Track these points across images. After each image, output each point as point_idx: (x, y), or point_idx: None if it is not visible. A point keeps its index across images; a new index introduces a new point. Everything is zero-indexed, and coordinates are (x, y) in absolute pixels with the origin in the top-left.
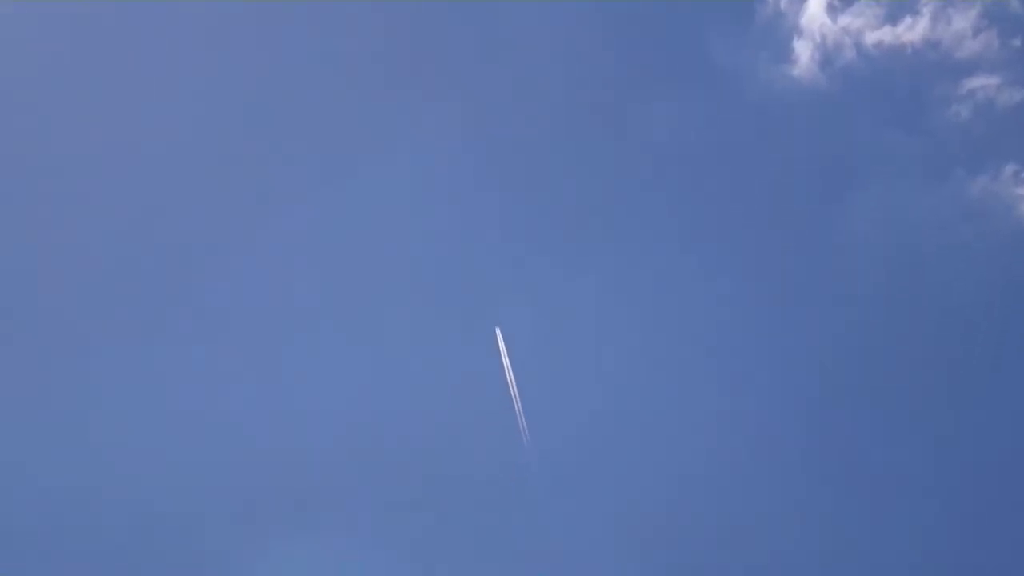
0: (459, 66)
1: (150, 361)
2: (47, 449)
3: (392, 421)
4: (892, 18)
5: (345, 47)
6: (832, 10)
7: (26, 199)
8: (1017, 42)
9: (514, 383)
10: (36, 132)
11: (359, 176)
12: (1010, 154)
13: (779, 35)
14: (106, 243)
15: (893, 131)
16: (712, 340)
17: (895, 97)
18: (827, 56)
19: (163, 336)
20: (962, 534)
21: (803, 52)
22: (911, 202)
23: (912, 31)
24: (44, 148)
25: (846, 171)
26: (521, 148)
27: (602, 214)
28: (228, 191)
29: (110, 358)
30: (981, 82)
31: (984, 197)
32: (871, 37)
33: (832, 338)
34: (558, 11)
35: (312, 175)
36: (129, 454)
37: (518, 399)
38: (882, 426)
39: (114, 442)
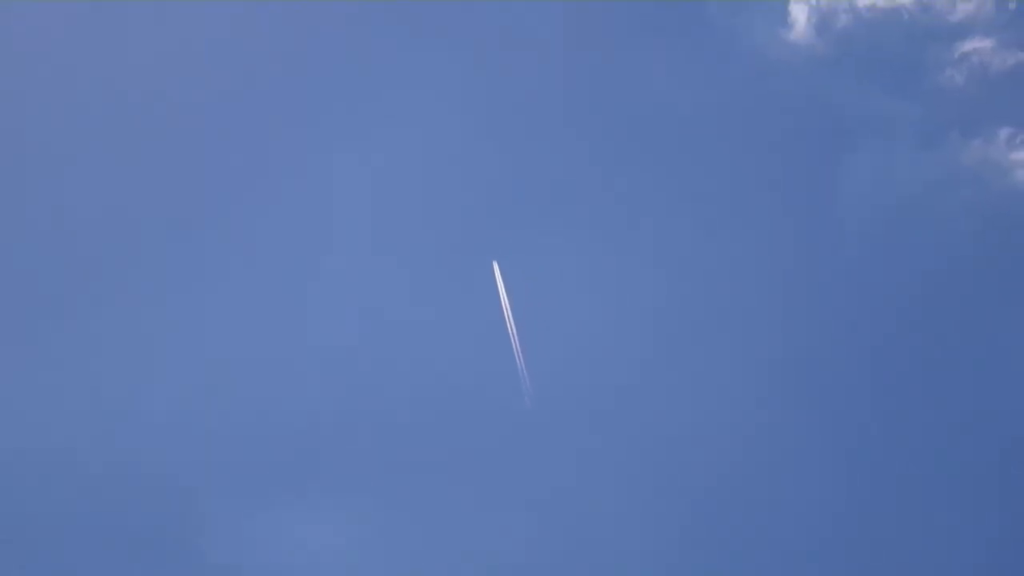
0: (458, 18)
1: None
2: (53, 398)
3: (390, 371)
4: None
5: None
6: None
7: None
8: (1012, 4)
9: (514, 329)
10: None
11: (360, 126)
12: (1004, 118)
13: None
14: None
15: (887, 95)
16: (705, 293)
17: (889, 61)
18: (822, 20)
19: (150, 288)
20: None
21: (799, 16)
22: (905, 167)
23: None
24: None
25: (840, 136)
26: (519, 105)
27: (598, 173)
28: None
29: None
30: (975, 45)
31: (978, 162)
32: (866, 0)
33: (825, 304)
34: None
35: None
36: (121, 406)
37: (518, 345)
38: (878, 386)
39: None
